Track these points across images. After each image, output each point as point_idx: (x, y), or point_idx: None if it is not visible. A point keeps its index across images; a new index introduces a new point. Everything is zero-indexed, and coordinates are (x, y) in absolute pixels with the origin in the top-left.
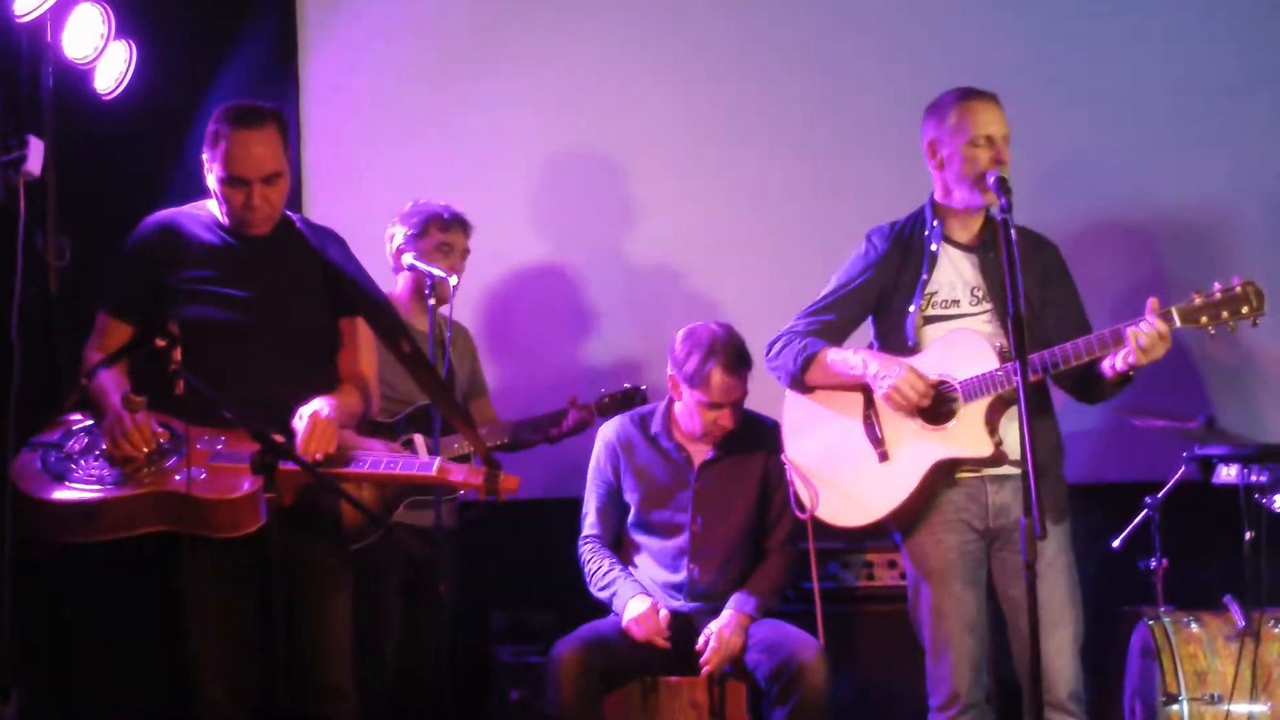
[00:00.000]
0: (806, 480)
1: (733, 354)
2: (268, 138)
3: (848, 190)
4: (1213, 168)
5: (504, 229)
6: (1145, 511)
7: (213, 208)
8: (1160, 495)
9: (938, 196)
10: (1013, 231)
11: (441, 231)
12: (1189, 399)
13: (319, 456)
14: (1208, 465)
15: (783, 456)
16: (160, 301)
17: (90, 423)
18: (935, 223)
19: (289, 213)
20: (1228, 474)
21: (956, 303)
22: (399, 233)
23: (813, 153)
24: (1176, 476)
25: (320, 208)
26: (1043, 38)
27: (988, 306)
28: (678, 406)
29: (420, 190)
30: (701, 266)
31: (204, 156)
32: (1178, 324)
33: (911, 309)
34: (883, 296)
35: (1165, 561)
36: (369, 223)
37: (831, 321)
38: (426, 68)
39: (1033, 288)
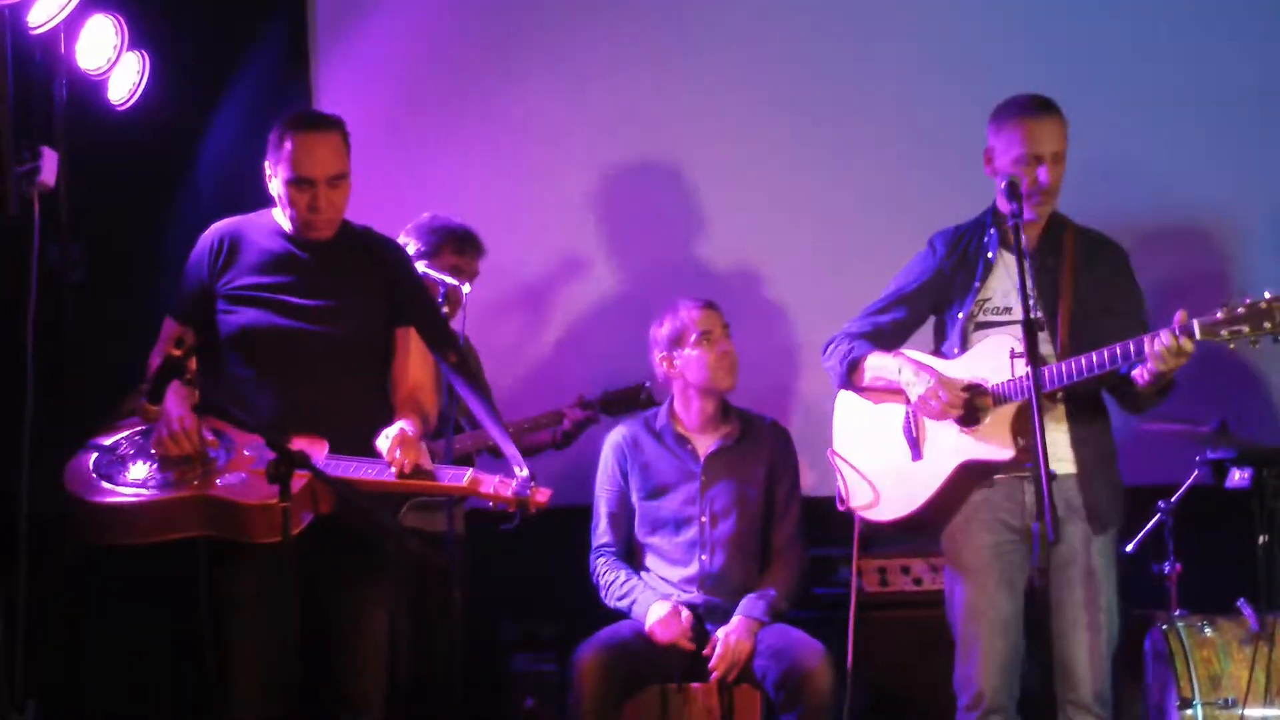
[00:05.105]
0: (847, 474)
1: (697, 298)
2: (330, 140)
3: (847, 197)
4: (1237, 174)
5: (514, 239)
6: (1158, 516)
7: (277, 216)
8: (1173, 499)
9: (999, 203)
10: (1024, 237)
11: (456, 255)
12: (1202, 402)
13: (407, 467)
14: (1220, 469)
15: (829, 451)
16: (218, 307)
17: (146, 427)
18: (993, 230)
19: (355, 222)
20: (1240, 478)
21: (1009, 310)
22: (411, 245)
23: (825, 158)
24: (1189, 480)
25: None
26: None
27: (1039, 314)
28: (677, 403)
29: (431, 202)
30: (718, 274)
31: (266, 164)
32: (1198, 337)
33: (961, 315)
34: (940, 300)
35: (1179, 566)
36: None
37: (886, 323)
38: (437, 79)
39: (1091, 291)
